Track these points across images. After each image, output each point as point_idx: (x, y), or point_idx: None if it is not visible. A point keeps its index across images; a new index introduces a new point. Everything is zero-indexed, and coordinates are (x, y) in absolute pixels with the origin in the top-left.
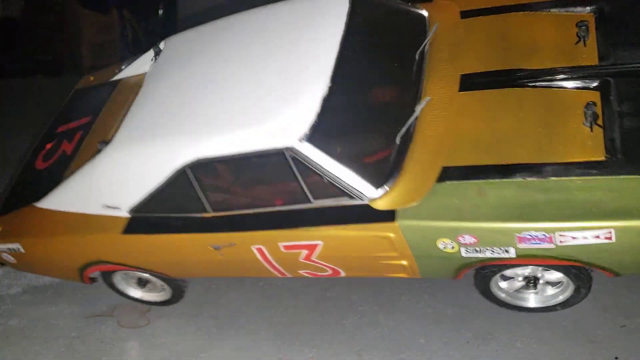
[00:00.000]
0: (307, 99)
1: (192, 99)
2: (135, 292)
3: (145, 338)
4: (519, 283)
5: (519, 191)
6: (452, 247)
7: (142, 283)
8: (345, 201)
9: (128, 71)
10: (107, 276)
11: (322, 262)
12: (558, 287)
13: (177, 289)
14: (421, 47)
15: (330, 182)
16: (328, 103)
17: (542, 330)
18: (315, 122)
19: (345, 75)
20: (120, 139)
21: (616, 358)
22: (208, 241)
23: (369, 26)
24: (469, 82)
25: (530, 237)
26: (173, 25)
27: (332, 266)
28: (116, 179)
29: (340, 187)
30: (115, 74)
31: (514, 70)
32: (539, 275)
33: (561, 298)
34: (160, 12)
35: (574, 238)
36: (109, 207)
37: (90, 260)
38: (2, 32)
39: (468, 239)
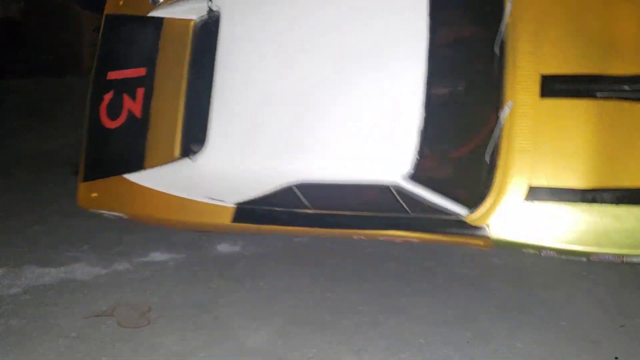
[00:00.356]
0: (406, 133)
1: (285, 105)
2: None
3: (145, 338)
4: None
5: (596, 217)
6: (534, 252)
7: None
8: (441, 216)
9: (170, 10)
10: None
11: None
12: None
13: None
14: (498, 37)
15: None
16: (425, 134)
17: (542, 330)
18: (417, 159)
19: (435, 98)
20: (218, 143)
21: (616, 358)
22: (312, 233)
23: (448, 25)
24: (550, 88)
25: (603, 258)
26: None
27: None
28: (220, 182)
29: (438, 210)
30: (151, 7)
31: (595, 77)
32: None
33: None
34: None
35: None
36: (213, 199)
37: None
38: (3, 33)
39: (550, 253)
